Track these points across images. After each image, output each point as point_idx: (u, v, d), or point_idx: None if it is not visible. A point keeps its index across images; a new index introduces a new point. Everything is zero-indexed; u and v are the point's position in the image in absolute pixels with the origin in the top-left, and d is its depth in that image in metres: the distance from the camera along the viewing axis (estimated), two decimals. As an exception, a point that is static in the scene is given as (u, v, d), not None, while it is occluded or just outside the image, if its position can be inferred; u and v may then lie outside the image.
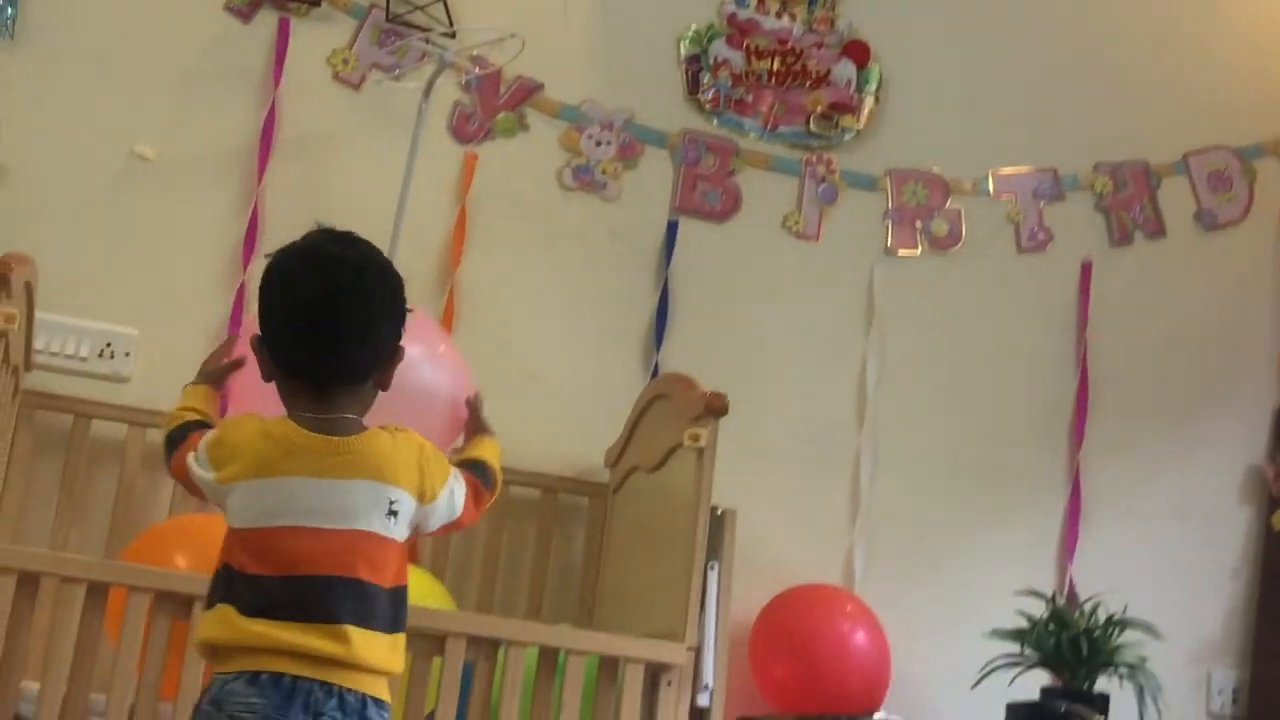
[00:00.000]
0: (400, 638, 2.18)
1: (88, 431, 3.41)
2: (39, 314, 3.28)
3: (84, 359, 3.52)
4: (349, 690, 2.09)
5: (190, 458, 2.23)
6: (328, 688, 2.08)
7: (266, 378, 2.20)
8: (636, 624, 3.21)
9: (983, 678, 3.36)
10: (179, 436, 2.32)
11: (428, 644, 2.84)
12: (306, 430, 2.15)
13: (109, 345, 3.53)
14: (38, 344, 3.39)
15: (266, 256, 2.25)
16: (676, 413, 3.22)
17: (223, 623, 2.10)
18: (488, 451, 2.52)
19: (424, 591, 2.99)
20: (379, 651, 2.13)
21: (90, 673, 2.73)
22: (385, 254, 2.91)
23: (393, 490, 2.16)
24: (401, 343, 2.24)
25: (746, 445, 3.69)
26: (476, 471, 2.40)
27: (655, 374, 3.78)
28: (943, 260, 4.08)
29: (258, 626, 2.08)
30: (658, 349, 3.85)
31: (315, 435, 2.14)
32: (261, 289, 2.22)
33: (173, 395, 3.46)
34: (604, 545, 3.61)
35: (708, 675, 3.07)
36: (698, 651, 3.02)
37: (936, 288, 4.07)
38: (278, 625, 2.08)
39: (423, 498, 2.20)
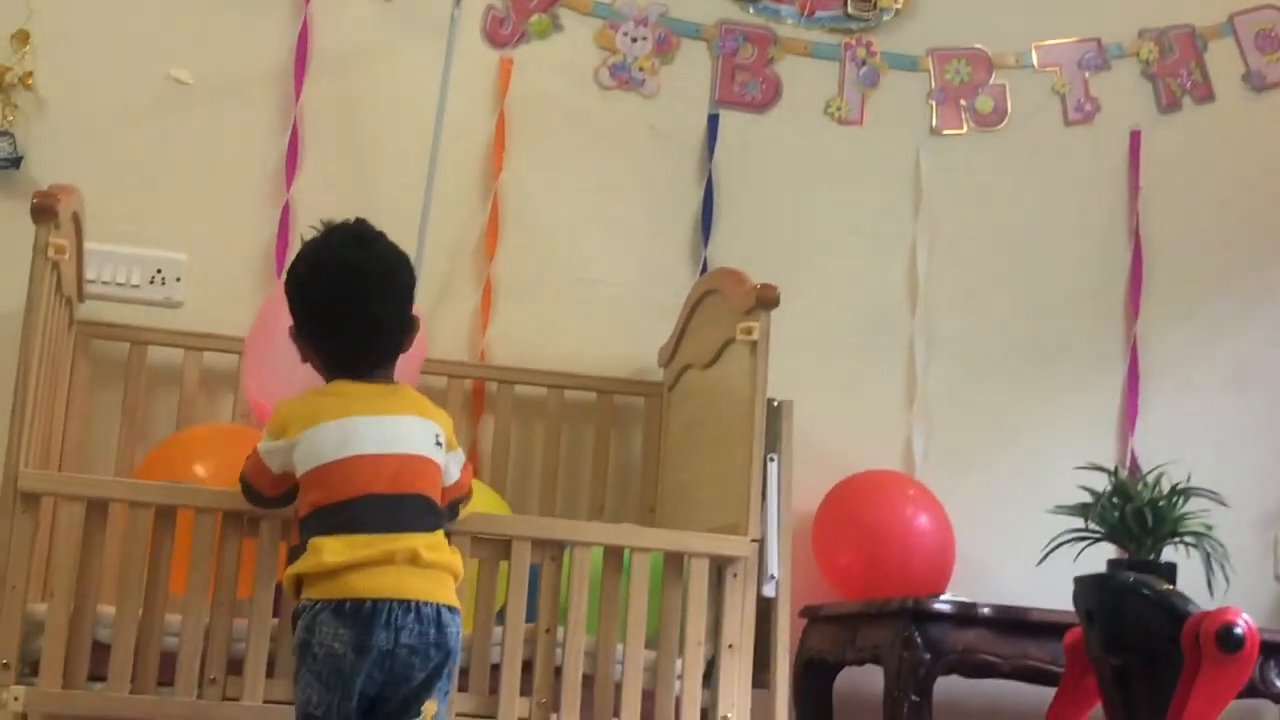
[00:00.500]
0: (440, 534, 2.50)
1: (144, 358, 3.44)
2: (88, 244, 3.29)
3: (136, 286, 3.54)
4: (424, 603, 2.39)
5: (260, 451, 2.56)
6: (405, 604, 2.37)
7: (305, 360, 2.59)
8: (699, 520, 3.23)
9: (1048, 554, 3.34)
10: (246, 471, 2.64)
11: (494, 549, 2.87)
12: (360, 383, 2.53)
13: (159, 272, 3.55)
14: (89, 274, 3.41)
15: (290, 268, 2.60)
16: (727, 307, 3.21)
17: (308, 557, 2.41)
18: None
19: (486, 504, 3.02)
20: (442, 553, 2.45)
21: (163, 595, 2.76)
22: (427, 172, 3.17)
23: (434, 425, 2.55)
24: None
25: (800, 336, 3.70)
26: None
27: (704, 269, 3.76)
28: (989, 138, 4.03)
29: (337, 546, 2.39)
30: (705, 244, 3.83)
31: (367, 384, 2.54)
32: (296, 291, 2.57)
33: (225, 317, 3.54)
34: (662, 444, 3.63)
35: (772, 566, 3.08)
36: (761, 543, 3.03)
37: (984, 166, 4.02)
38: (356, 543, 2.39)
39: (452, 444, 2.59)
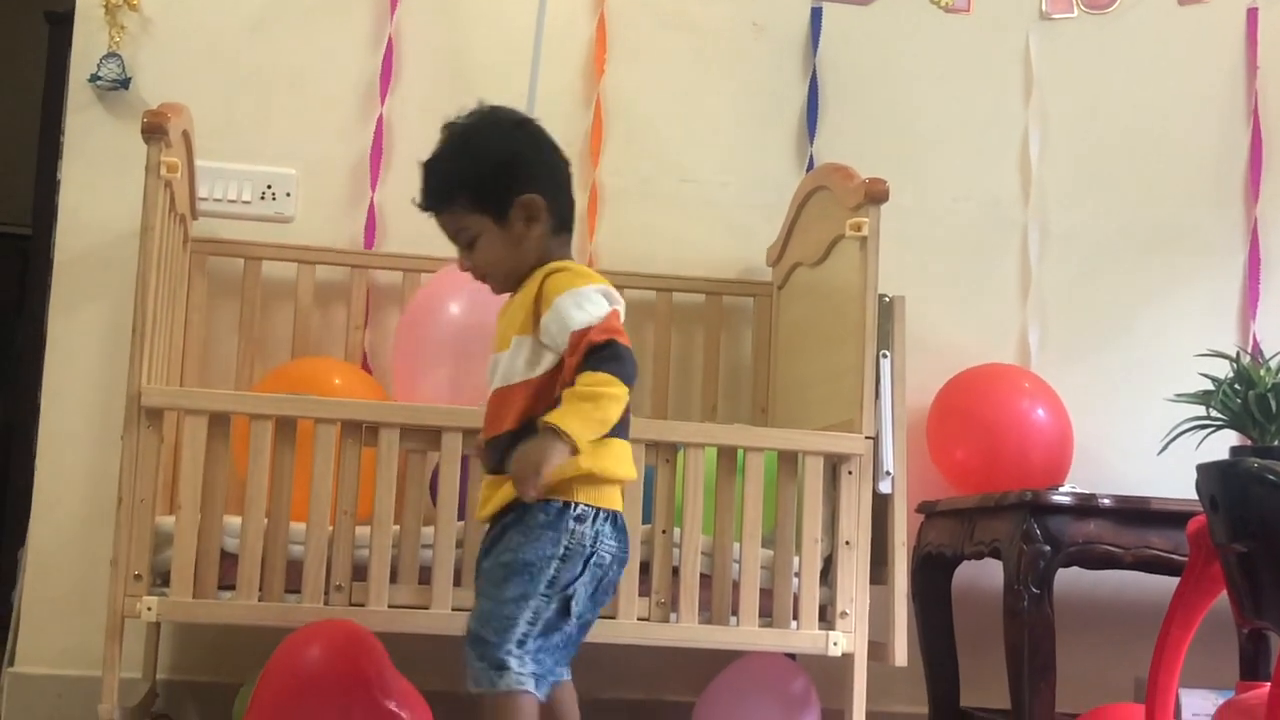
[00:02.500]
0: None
1: (259, 273, 3.48)
2: (199, 162, 3.33)
3: (247, 202, 3.57)
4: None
5: (616, 311, 2.30)
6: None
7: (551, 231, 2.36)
8: (813, 418, 3.22)
9: (1169, 443, 3.31)
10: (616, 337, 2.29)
11: (608, 452, 2.88)
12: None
13: (269, 187, 3.58)
14: (201, 192, 3.46)
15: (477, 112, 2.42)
16: (836, 203, 3.18)
17: (611, 457, 2.28)
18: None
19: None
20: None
21: (287, 504, 2.82)
22: (529, 80, 3.18)
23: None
24: None
25: (910, 230, 3.66)
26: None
27: (811, 166, 3.72)
28: (1100, 20, 3.93)
29: (628, 455, 2.32)
30: (811, 141, 3.79)
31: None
32: (530, 153, 2.37)
33: (334, 230, 3.58)
34: (773, 343, 3.61)
35: (888, 462, 3.07)
36: (875, 440, 3.02)
37: (1096, 50, 3.93)
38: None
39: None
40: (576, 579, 2.24)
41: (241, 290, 3.47)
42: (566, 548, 2.24)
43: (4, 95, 5.80)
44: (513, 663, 2.18)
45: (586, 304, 2.25)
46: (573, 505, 2.25)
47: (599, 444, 2.23)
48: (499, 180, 2.33)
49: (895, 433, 3.10)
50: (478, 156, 2.36)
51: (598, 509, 2.27)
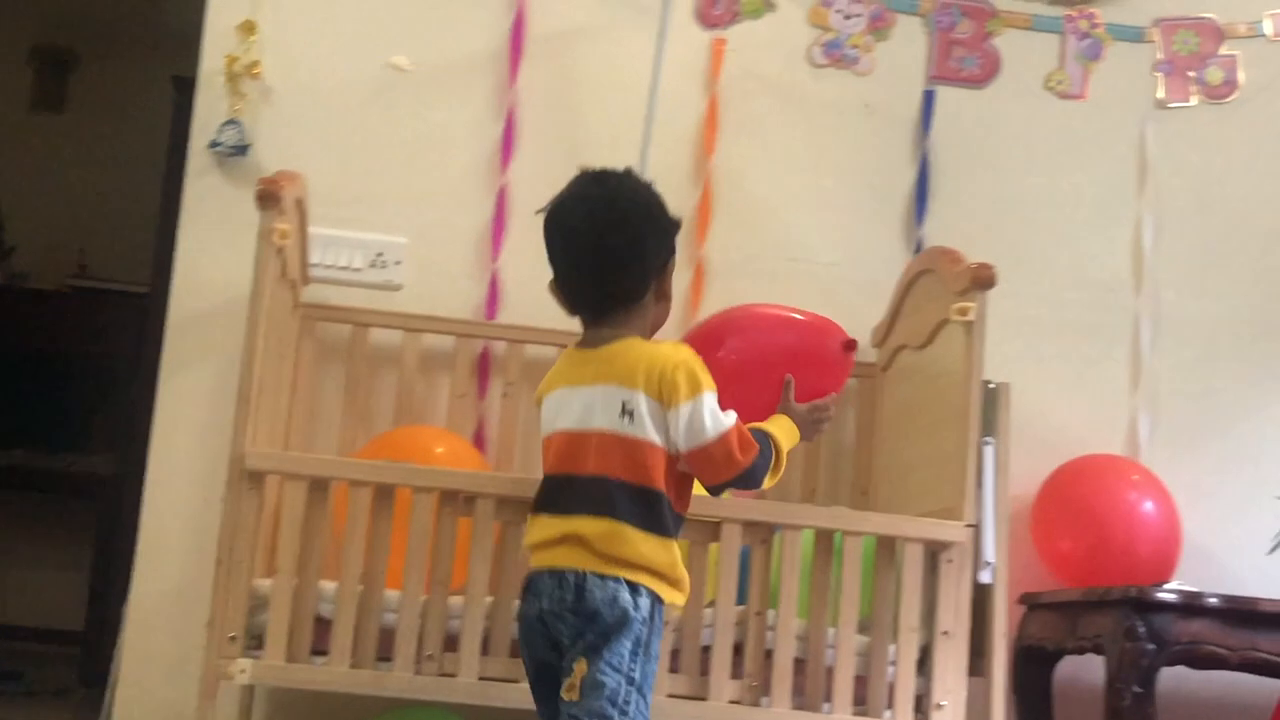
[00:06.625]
0: (655, 539, 2.36)
1: (366, 339, 3.52)
2: (311, 229, 3.39)
3: (358, 270, 3.62)
4: (567, 570, 2.34)
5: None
6: (551, 572, 2.36)
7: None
8: (913, 503, 3.18)
9: (1280, 544, 3.23)
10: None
11: (703, 531, 2.87)
12: (574, 347, 2.47)
13: (380, 255, 3.63)
14: (313, 258, 3.51)
15: (538, 212, 2.48)
16: (942, 287, 3.16)
17: (530, 526, 2.46)
18: (777, 427, 2.58)
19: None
20: (619, 547, 2.34)
21: (382, 571, 2.83)
22: (640, 154, 3.10)
23: (626, 392, 2.35)
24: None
25: (1018, 316, 3.62)
26: (757, 435, 2.47)
27: (919, 249, 3.70)
28: (1219, 110, 3.88)
29: (541, 521, 2.42)
30: (920, 223, 3.77)
31: (576, 350, 2.46)
32: (545, 236, 2.46)
33: (444, 299, 3.62)
34: (876, 425, 3.58)
35: (989, 552, 3.02)
36: (977, 529, 2.98)
37: (1213, 140, 3.87)
38: (537, 522, 2.42)
39: (663, 401, 2.35)
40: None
41: (349, 356, 3.51)
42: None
43: (133, 157, 5.94)
44: None
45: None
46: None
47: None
48: None
49: (997, 522, 3.06)
50: None
51: (533, 570, 2.42)
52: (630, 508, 2.34)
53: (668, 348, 2.41)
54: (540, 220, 2.48)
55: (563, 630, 2.35)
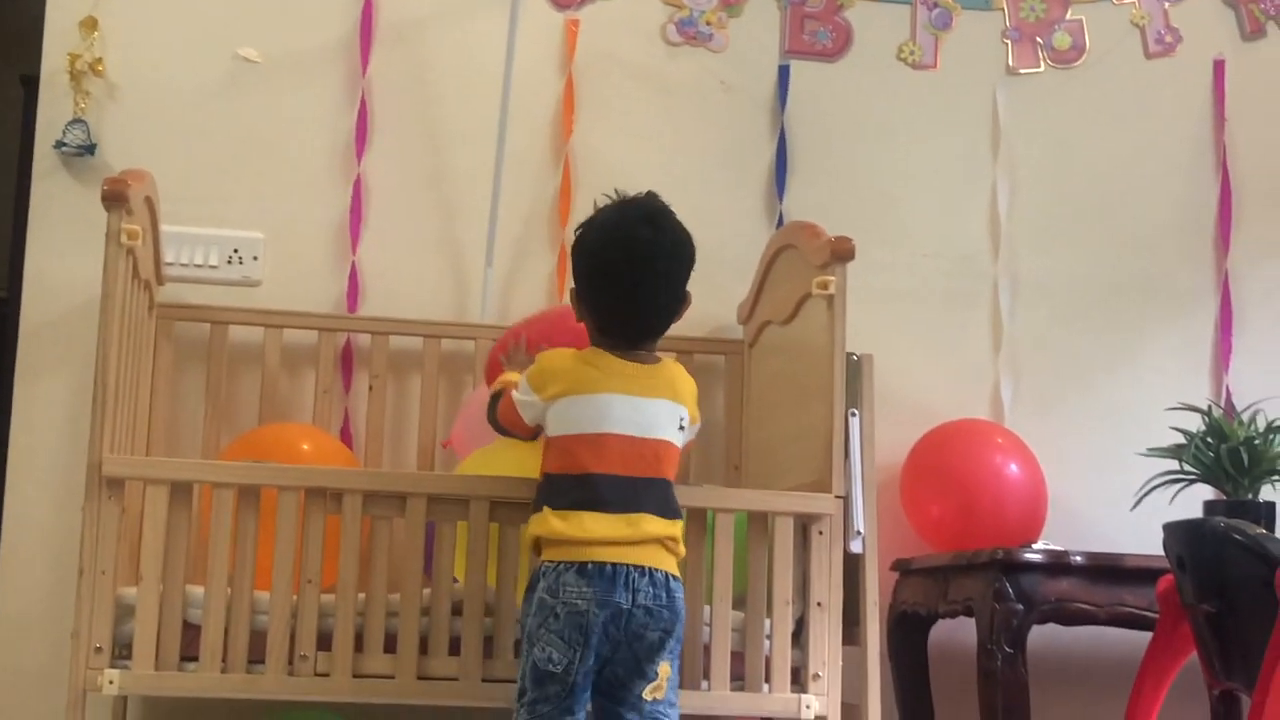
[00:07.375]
0: (680, 523, 2.64)
1: (226, 338, 3.46)
2: (164, 227, 3.32)
3: (214, 267, 3.56)
4: (656, 569, 2.54)
5: (514, 394, 2.67)
6: (640, 569, 2.52)
7: (579, 320, 2.68)
8: (784, 477, 3.20)
9: (1141, 498, 3.29)
10: (498, 394, 2.74)
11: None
12: (621, 359, 2.62)
13: (236, 251, 3.57)
14: (167, 257, 3.44)
15: (577, 230, 2.69)
16: (804, 261, 3.17)
17: (544, 522, 2.55)
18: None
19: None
20: (673, 534, 2.59)
21: (251, 574, 2.79)
22: (497, 139, 3.16)
23: (682, 409, 2.65)
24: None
25: (880, 287, 3.66)
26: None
27: (780, 223, 3.72)
28: (1068, 75, 3.95)
29: (585, 520, 2.53)
30: (780, 198, 3.78)
31: (629, 362, 2.62)
32: (580, 259, 2.65)
33: (303, 293, 3.57)
34: (745, 401, 3.60)
35: (859, 522, 3.04)
36: (846, 499, 3.00)
37: (1064, 104, 3.93)
38: (598, 518, 2.53)
39: (694, 419, 2.69)
40: (542, 627, 2.53)
41: (208, 355, 3.45)
42: (539, 601, 2.55)
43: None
44: None
45: None
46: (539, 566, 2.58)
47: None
48: (575, 271, 2.70)
49: (866, 492, 3.08)
50: None
51: (558, 563, 2.53)
52: (676, 505, 2.63)
53: (681, 368, 2.73)
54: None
55: (650, 625, 2.53)
